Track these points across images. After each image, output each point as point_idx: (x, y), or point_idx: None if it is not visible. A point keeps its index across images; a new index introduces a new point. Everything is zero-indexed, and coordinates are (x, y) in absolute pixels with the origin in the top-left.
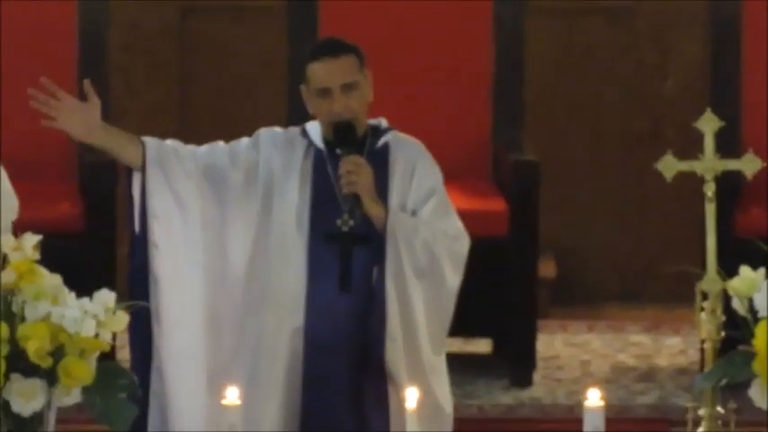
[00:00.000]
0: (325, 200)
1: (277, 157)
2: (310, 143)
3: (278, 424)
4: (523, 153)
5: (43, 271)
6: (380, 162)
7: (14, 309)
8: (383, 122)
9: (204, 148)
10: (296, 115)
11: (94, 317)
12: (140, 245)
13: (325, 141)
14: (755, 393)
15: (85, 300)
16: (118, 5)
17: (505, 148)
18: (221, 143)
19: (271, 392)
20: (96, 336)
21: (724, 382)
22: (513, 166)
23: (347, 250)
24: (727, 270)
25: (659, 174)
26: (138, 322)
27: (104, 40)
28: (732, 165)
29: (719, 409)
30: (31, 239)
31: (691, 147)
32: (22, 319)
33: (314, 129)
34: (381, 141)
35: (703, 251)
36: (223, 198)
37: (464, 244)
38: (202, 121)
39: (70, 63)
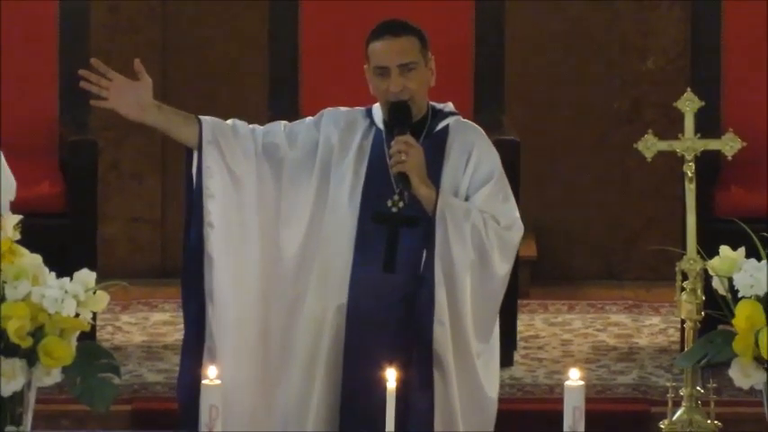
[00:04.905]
0: (379, 180)
1: (336, 135)
2: (372, 123)
3: (321, 399)
4: (504, 132)
5: (23, 251)
6: (438, 145)
7: None
8: (449, 106)
9: (264, 127)
10: (277, 97)
11: (75, 297)
12: (196, 224)
13: (385, 122)
14: (735, 373)
15: (66, 279)
16: None
17: (486, 128)
18: (282, 122)
19: (313, 369)
20: (76, 316)
21: (704, 361)
22: (493, 145)
23: (394, 231)
24: (707, 250)
25: (639, 153)
26: (192, 301)
27: (86, 21)
28: (712, 144)
29: (699, 388)
30: (12, 219)
31: (671, 126)
32: (2, 298)
33: (378, 110)
34: (442, 124)
35: (683, 231)
36: (280, 178)
37: (516, 233)
38: (185, 103)
39: (52, 45)
